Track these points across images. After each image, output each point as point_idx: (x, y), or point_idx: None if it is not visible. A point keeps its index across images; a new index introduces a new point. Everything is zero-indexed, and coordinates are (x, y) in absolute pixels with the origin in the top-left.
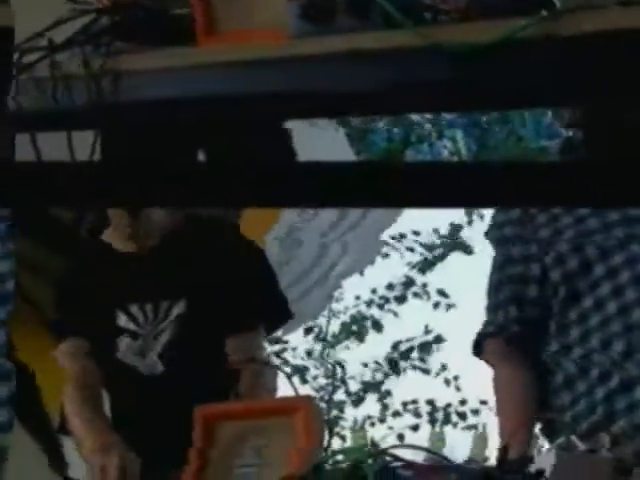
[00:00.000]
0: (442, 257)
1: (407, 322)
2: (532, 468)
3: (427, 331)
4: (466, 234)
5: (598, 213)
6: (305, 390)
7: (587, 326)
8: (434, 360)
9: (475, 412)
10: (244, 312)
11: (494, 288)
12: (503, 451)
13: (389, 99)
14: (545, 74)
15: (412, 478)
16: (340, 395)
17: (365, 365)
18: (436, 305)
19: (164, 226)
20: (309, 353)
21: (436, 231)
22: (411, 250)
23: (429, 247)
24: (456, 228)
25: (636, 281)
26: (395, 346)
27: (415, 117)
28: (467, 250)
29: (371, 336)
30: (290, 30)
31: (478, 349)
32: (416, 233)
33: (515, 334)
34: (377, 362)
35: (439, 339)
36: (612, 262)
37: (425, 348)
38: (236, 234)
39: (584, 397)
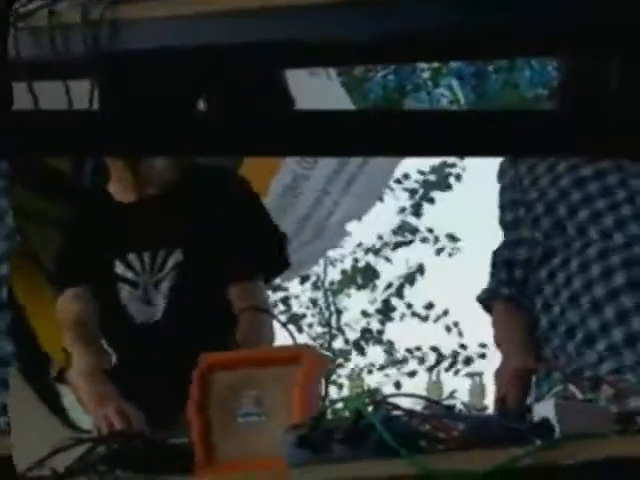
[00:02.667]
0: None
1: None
2: (535, 416)
3: (409, 265)
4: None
5: (572, 171)
6: (302, 339)
7: (556, 284)
8: (421, 297)
9: (472, 360)
10: (243, 261)
11: (493, 254)
12: (502, 400)
13: (387, 48)
14: None
15: (418, 427)
16: (339, 343)
17: (364, 313)
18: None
19: (165, 175)
20: (314, 302)
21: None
22: (411, 191)
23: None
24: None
25: (602, 236)
26: (388, 286)
27: (411, 66)
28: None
29: (370, 283)
30: None
31: (487, 309)
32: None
33: (506, 296)
34: (377, 309)
35: (421, 269)
36: (579, 219)
37: (409, 279)
38: (236, 183)
39: (559, 351)
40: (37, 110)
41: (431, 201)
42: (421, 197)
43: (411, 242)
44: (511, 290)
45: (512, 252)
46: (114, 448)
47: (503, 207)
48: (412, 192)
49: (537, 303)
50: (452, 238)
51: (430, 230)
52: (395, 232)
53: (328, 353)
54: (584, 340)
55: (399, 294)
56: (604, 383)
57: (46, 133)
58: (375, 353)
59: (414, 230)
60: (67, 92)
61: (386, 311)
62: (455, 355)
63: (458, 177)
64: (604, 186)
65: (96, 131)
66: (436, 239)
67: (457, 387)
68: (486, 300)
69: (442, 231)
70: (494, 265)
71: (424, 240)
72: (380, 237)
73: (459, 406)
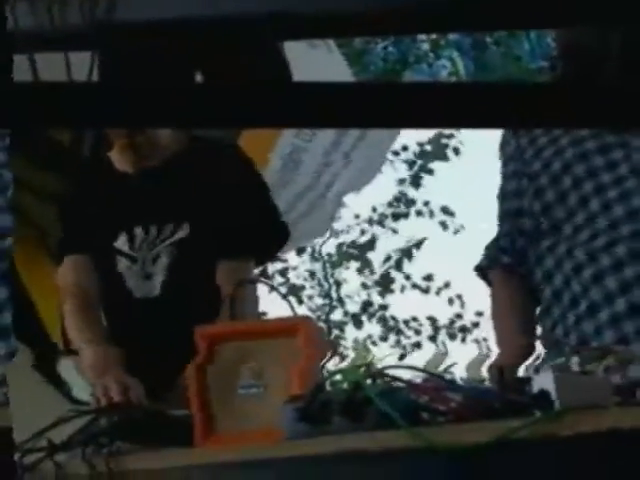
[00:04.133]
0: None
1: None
2: (534, 388)
3: (409, 239)
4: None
5: (576, 144)
6: (302, 311)
7: (559, 255)
8: (421, 269)
9: (469, 331)
10: (240, 238)
11: (497, 222)
12: (500, 372)
13: (388, 19)
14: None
15: (416, 399)
16: (338, 315)
17: (364, 285)
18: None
19: (166, 148)
20: (312, 274)
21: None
22: (410, 163)
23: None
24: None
25: (606, 209)
26: (387, 259)
27: (411, 38)
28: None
29: (368, 254)
30: None
31: (484, 278)
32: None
33: (506, 265)
34: (376, 281)
35: (419, 243)
36: (584, 191)
37: (406, 253)
38: (236, 157)
39: (559, 322)
40: (36, 81)
41: (430, 172)
42: (420, 168)
43: (407, 215)
44: (511, 259)
45: (514, 221)
46: (114, 420)
47: (505, 177)
48: (411, 164)
49: (537, 274)
50: (447, 211)
51: (426, 203)
52: (392, 204)
53: (326, 325)
54: (587, 310)
55: (398, 267)
56: (611, 353)
57: (46, 105)
58: (372, 326)
59: (411, 202)
60: (67, 64)
61: (385, 284)
62: (452, 323)
63: (456, 151)
64: (608, 160)
65: (95, 102)
66: (431, 213)
67: (456, 359)
68: (486, 268)
69: (438, 204)
70: (497, 232)
71: (419, 214)
72: (374, 209)
73: (458, 378)
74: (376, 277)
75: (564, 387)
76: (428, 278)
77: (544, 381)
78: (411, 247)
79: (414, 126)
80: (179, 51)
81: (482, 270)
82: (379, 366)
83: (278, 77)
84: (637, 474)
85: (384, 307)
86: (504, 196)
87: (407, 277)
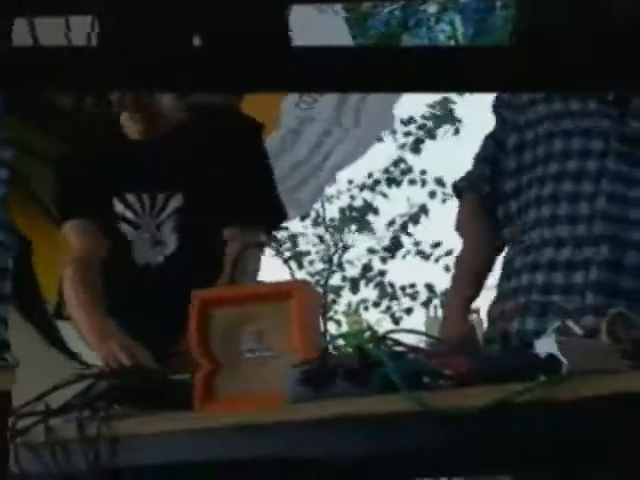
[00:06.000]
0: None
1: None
2: (540, 353)
3: (412, 204)
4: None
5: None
6: (301, 276)
7: (527, 217)
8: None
9: None
10: (240, 206)
11: (482, 144)
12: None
13: None
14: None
15: (423, 364)
16: (336, 280)
17: (370, 250)
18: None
19: (170, 116)
20: (320, 238)
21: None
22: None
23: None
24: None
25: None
26: (391, 223)
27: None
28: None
29: (370, 218)
30: None
31: (458, 194)
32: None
33: (486, 194)
34: (383, 247)
35: (424, 209)
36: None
37: (413, 218)
38: (240, 125)
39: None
40: (36, 46)
41: (433, 137)
42: (417, 140)
43: (400, 183)
44: (490, 188)
45: (497, 150)
46: (112, 384)
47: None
48: (407, 134)
49: (505, 232)
50: (440, 182)
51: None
52: (390, 171)
53: (323, 289)
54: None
55: (405, 231)
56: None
57: (45, 69)
58: (369, 291)
59: (408, 170)
60: (67, 27)
61: (393, 249)
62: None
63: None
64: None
65: (94, 66)
66: (423, 182)
67: None
68: (464, 189)
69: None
70: (479, 157)
71: (412, 182)
72: (370, 175)
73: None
74: (383, 243)
75: (567, 351)
76: (435, 245)
77: (547, 346)
78: (418, 213)
79: (407, 90)
80: (177, 13)
81: (460, 190)
82: (381, 331)
83: (277, 40)
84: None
85: (383, 273)
86: (496, 127)
87: (416, 243)
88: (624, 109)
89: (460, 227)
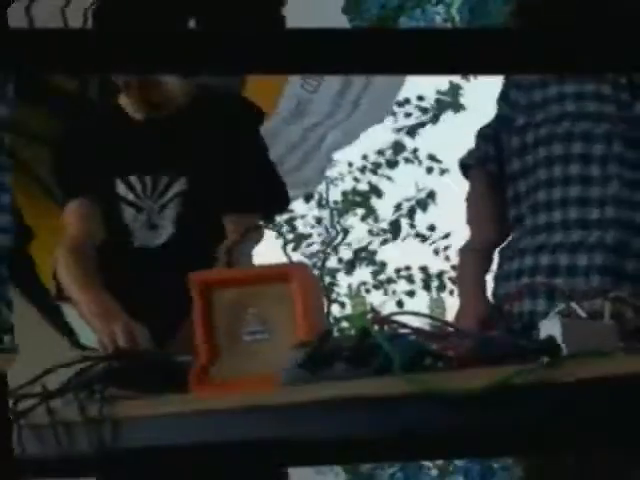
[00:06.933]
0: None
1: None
2: (541, 334)
3: (419, 189)
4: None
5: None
6: (298, 258)
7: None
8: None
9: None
10: (246, 193)
11: (489, 121)
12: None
13: None
14: None
15: (425, 345)
16: (332, 262)
17: (371, 232)
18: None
19: (173, 99)
20: (319, 220)
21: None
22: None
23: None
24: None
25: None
26: (397, 207)
27: None
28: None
29: (373, 201)
30: None
31: (464, 172)
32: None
33: (492, 172)
34: (384, 229)
35: (432, 195)
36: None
37: (421, 204)
38: (242, 110)
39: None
40: (33, 29)
41: (436, 119)
42: (418, 124)
43: (396, 163)
44: (497, 167)
45: (505, 134)
46: (110, 366)
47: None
48: (408, 115)
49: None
50: (434, 159)
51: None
52: (389, 152)
53: (319, 272)
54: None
55: (409, 216)
56: (607, 300)
57: (43, 51)
58: (364, 273)
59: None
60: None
61: (394, 232)
62: (441, 275)
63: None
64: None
65: (92, 48)
66: (419, 161)
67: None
68: (472, 166)
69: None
70: (484, 135)
71: (407, 160)
72: (365, 157)
73: None
74: (383, 225)
75: (571, 333)
76: (431, 228)
77: (551, 327)
78: (425, 198)
79: (406, 72)
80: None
81: (466, 167)
82: (384, 312)
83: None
84: (637, 420)
85: (373, 253)
86: (502, 105)
87: (412, 226)
88: (637, 93)
89: (472, 204)
